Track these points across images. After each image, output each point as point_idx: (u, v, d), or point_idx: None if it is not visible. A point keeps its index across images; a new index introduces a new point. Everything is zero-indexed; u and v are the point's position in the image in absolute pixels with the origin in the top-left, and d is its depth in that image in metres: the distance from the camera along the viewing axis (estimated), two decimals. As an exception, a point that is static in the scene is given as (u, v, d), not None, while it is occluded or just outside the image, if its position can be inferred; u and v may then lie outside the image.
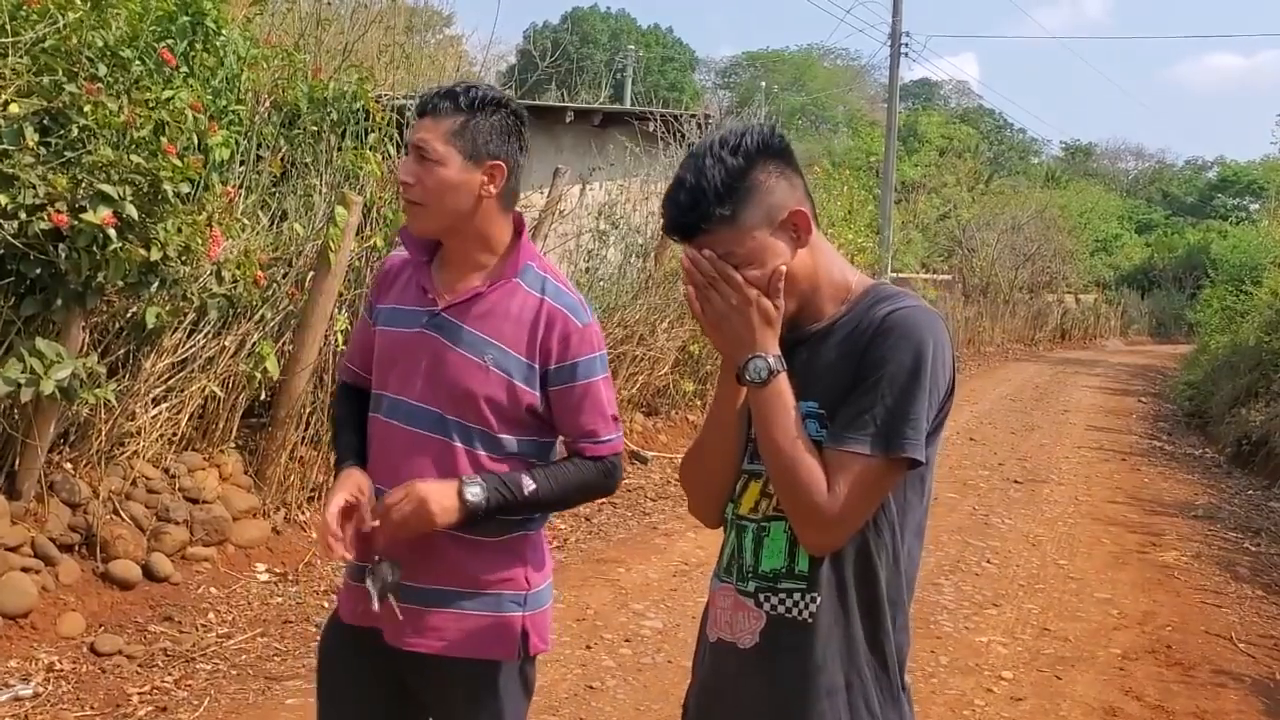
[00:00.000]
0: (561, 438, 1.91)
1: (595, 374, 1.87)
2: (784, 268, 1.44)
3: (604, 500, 6.69)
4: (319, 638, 2.05)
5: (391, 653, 1.87)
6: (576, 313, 1.87)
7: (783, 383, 1.43)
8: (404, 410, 1.85)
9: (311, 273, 4.96)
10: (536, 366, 1.84)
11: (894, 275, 19.39)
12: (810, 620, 1.46)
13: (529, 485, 1.81)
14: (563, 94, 12.19)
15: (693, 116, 9.99)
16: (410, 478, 1.79)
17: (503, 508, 1.80)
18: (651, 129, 9.36)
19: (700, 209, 1.43)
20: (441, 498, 1.75)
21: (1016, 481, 8.45)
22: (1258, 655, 4.67)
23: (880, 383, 1.41)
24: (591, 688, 3.84)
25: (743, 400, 1.50)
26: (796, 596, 1.48)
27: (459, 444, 1.82)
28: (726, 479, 1.55)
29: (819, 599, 1.46)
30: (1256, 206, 41.53)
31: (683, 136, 9.28)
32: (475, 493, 1.76)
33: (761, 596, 1.50)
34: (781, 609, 1.48)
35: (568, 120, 9.66)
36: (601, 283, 8.00)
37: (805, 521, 1.42)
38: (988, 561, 5.94)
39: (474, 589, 1.84)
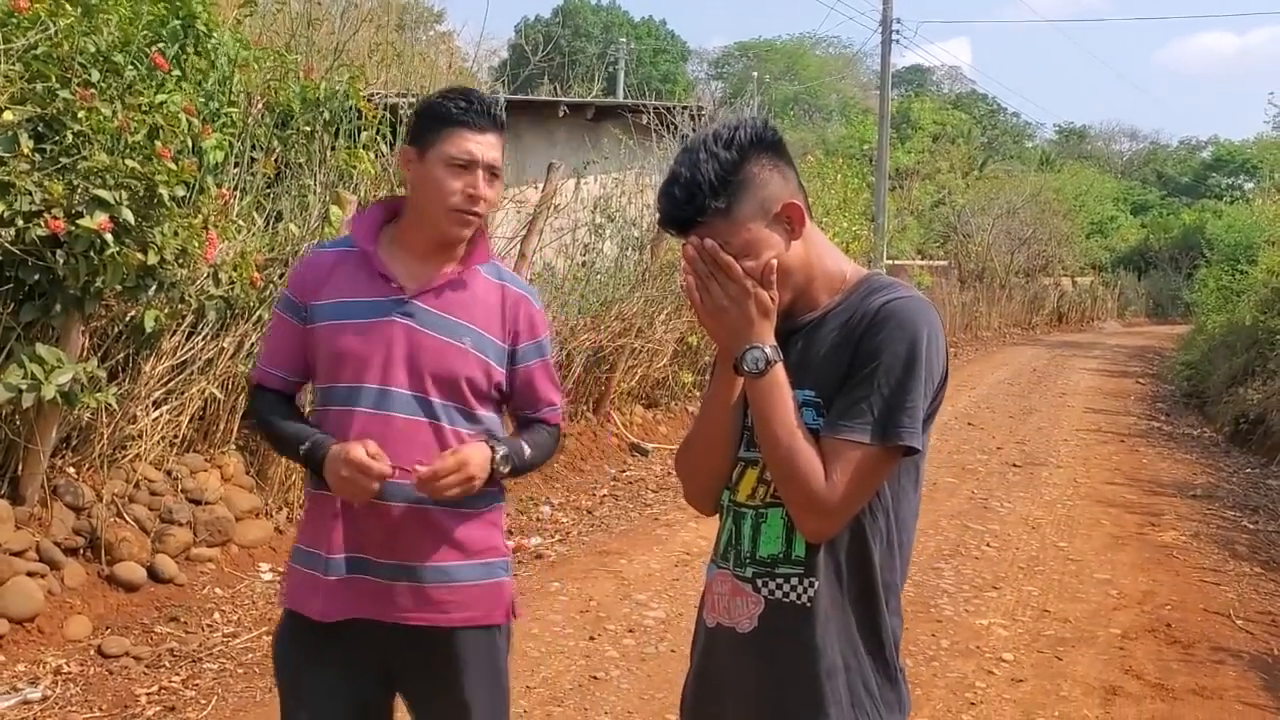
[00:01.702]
0: (518, 409, 2.05)
1: (550, 352, 2.07)
2: (776, 260, 1.46)
3: (606, 493, 6.72)
4: (272, 646, 2.02)
5: (377, 636, 1.89)
6: (534, 296, 2.06)
7: (780, 373, 1.45)
8: (392, 399, 1.89)
9: (308, 273, 4.97)
10: (506, 346, 1.97)
11: (889, 263, 19.41)
12: (809, 604, 1.48)
13: (527, 451, 1.96)
14: (555, 88, 12.20)
15: (685, 108, 10.00)
16: (408, 462, 1.82)
17: (511, 474, 1.94)
18: (645, 122, 9.36)
19: (695, 202, 1.45)
20: (479, 470, 1.84)
21: (1015, 465, 8.48)
22: (1256, 632, 4.71)
23: (876, 372, 1.43)
24: (595, 678, 3.87)
25: (739, 390, 1.52)
26: (794, 581, 1.50)
27: (445, 424, 1.91)
28: (723, 467, 1.58)
29: (816, 583, 1.48)
30: (1251, 185, 41.52)
31: (676, 128, 9.29)
32: (503, 470, 1.89)
33: (759, 581, 1.52)
34: (779, 594, 1.51)
35: (561, 114, 9.67)
36: (598, 276, 8.00)
37: (804, 509, 1.45)
38: (987, 545, 5.97)
39: (469, 559, 1.94)
